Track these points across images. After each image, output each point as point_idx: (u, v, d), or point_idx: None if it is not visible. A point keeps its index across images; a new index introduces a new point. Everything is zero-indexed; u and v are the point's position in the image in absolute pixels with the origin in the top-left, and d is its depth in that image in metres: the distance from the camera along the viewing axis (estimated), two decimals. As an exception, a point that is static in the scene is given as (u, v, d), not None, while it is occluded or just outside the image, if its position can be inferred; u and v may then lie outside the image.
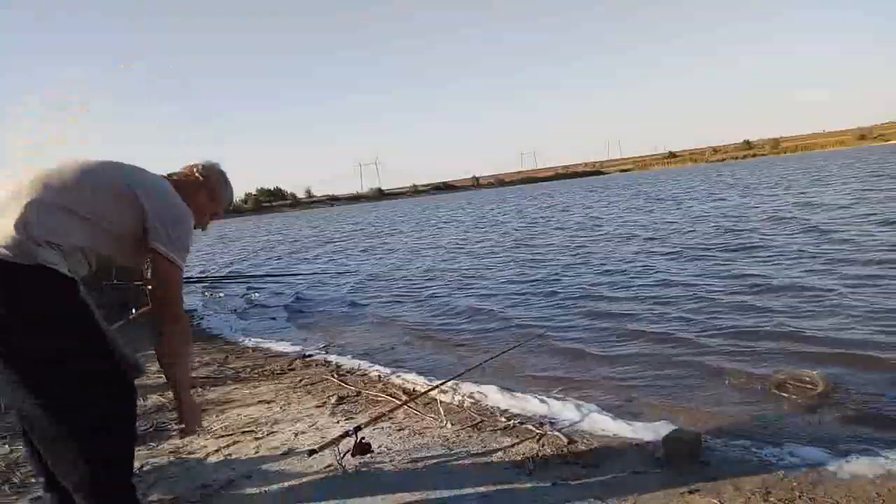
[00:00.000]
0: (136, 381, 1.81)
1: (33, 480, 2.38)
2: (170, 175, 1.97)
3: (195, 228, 1.91)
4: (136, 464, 2.47)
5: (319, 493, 2.18)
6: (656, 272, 6.92)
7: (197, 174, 2.00)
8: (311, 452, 2.34)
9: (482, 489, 2.13)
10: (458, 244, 13.67)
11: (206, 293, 9.43)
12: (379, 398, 3.31)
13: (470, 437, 2.65)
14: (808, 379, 3.07)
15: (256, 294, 8.88)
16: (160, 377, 3.69)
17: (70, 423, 1.60)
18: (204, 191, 1.99)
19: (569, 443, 2.50)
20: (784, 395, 2.97)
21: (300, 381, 3.84)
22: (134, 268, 1.91)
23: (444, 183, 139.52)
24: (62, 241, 1.59)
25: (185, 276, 1.89)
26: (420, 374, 3.85)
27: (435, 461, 2.41)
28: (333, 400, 3.33)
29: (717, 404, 2.98)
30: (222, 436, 2.88)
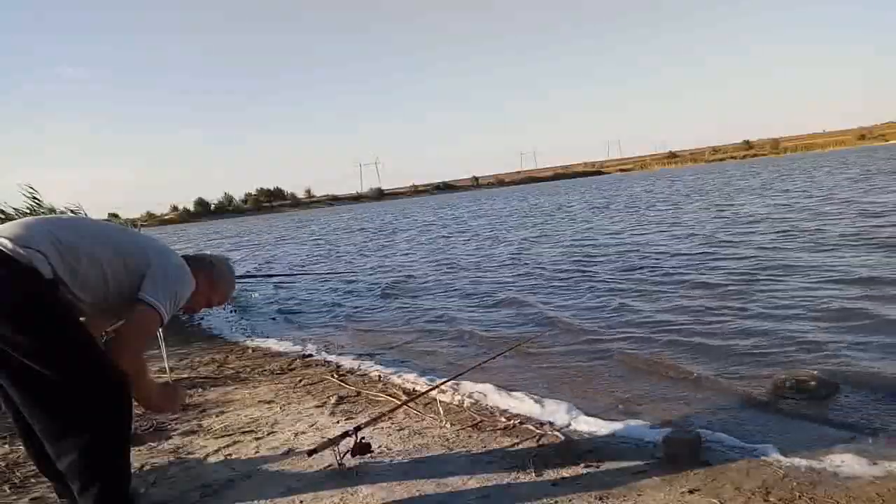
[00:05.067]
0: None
1: (33, 480, 2.38)
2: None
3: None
4: (137, 464, 2.48)
5: (319, 493, 2.18)
6: (658, 272, 6.92)
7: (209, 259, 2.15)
8: (311, 452, 2.34)
9: (482, 489, 2.13)
10: (457, 245, 13.67)
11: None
12: (379, 398, 3.31)
13: (470, 437, 2.65)
14: (807, 379, 3.06)
15: (256, 294, 8.87)
16: (158, 377, 3.70)
17: (54, 417, 1.65)
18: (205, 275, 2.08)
19: (569, 443, 2.50)
20: (784, 395, 2.97)
21: (300, 381, 3.84)
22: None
23: (443, 183, 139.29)
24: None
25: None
26: (420, 374, 3.85)
27: (435, 461, 2.41)
28: (333, 400, 3.32)
29: (718, 404, 2.98)
30: (222, 436, 2.88)
